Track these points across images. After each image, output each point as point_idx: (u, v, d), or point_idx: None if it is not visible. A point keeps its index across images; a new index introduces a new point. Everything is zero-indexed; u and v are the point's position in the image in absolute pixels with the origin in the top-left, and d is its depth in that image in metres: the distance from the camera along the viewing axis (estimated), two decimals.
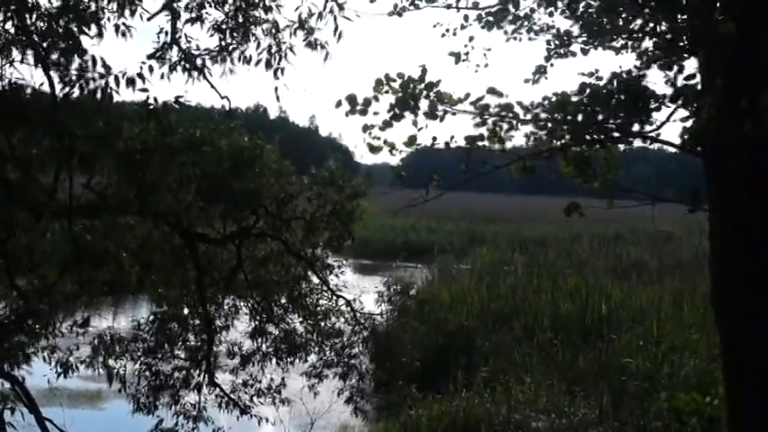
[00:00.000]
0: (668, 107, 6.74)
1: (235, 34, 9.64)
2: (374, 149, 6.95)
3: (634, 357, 17.83)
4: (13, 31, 8.08)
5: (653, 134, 6.95)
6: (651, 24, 7.19)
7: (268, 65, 9.71)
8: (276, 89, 9.82)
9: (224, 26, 9.62)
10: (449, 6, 8.42)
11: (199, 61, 9.62)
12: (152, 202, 9.78)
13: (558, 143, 7.12)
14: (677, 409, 12.70)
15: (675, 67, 6.87)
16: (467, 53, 8.77)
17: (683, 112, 6.75)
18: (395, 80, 6.82)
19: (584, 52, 7.82)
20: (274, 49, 9.68)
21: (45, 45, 8.13)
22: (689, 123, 6.67)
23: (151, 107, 9.17)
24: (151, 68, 8.94)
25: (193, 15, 9.45)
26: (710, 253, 7.15)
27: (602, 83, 6.92)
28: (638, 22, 7.28)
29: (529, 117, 7.05)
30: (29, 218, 9.15)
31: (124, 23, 8.84)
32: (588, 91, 6.86)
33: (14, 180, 8.96)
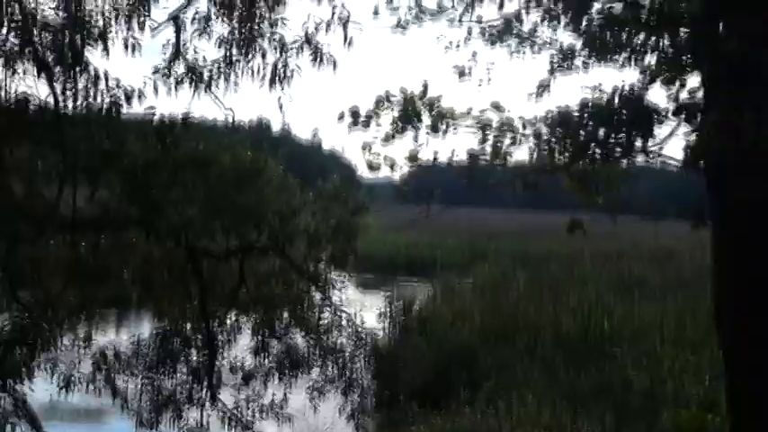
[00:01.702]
0: (671, 121, 6.75)
1: (240, 50, 9.62)
2: (374, 167, 6.96)
3: (637, 374, 17.77)
4: (18, 43, 8.12)
5: (655, 149, 6.96)
6: (653, 38, 7.20)
7: (273, 82, 9.66)
8: (279, 99, 9.77)
9: (230, 37, 9.60)
10: (452, 21, 8.44)
11: (205, 75, 9.62)
12: (156, 217, 9.78)
13: (561, 158, 7.12)
14: (680, 427, 12.65)
15: (678, 82, 6.89)
16: (470, 69, 8.78)
17: (685, 129, 6.76)
18: (395, 96, 6.85)
19: (586, 66, 7.83)
20: (281, 66, 9.65)
21: (50, 59, 8.16)
22: (691, 139, 6.67)
23: (156, 125, 9.21)
24: (156, 87, 8.97)
25: (199, 26, 9.45)
26: (713, 269, 7.15)
27: (604, 97, 6.93)
28: (641, 36, 7.29)
29: (530, 133, 7.07)
30: (32, 231, 9.16)
31: (133, 36, 8.87)
32: (590, 107, 6.87)
33: (18, 193, 8.98)
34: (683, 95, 6.85)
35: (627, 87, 6.99)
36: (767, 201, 6.52)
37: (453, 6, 8.23)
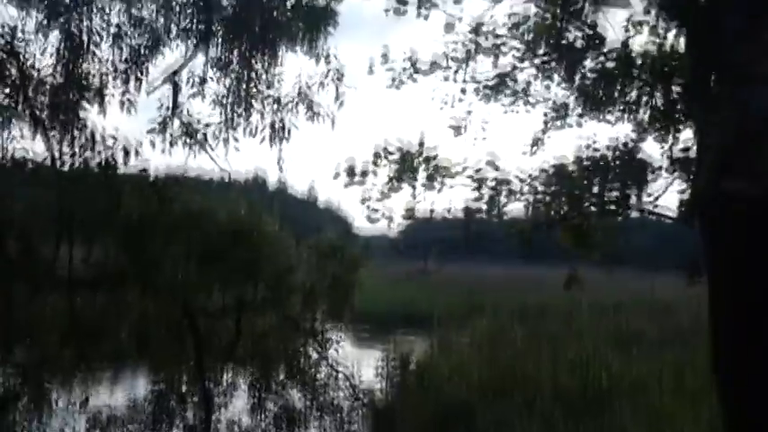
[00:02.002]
0: (667, 172, 6.77)
1: (236, 108, 9.69)
2: (372, 221, 6.99)
3: (636, 427, 17.60)
4: (14, 101, 8.18)
5: (651, 202, 6.97)
6: (647, 92, 7.25)
7: (271, 140, 9.72)
8: (280, 152, 9.84)
9: (225, 101, 9.68)
10: (446, 78, 8.49)
11: (200, 135, 9.68)
12: (152, 273, 9.77)
13: (556, 212, 7.14)
14: None
15: (671, 135, 6.92)
16: (465, 125, 8.82)
17: (679, 184, 6.79)
18: (392, 153, 6.89)
19: (580, 119, 7.86)
20: (278, 125, 9.73)
21: (46, 116, 8.23)
22: (686, 194, 6.70)
23: (152, 182, 9.24)
24: (153, 144, 9.04)
25: (195, 90, 9.53)
26: (709, 322, 7.11)
27: (598, 153, 6.97)
28: (634, 90, 7.35)
29: (526, 189, 7.10)
30: (28, 289, 9.13)
31: (129, 93, 8.94)
32: (584, 162, 6.91)
33: (14, 252, 8.97)
34: (677, 149, 6.89)
35: (621, 141, 7.04)
36: (762, 250, 6.51)
37: (447, 65, 8.29)
